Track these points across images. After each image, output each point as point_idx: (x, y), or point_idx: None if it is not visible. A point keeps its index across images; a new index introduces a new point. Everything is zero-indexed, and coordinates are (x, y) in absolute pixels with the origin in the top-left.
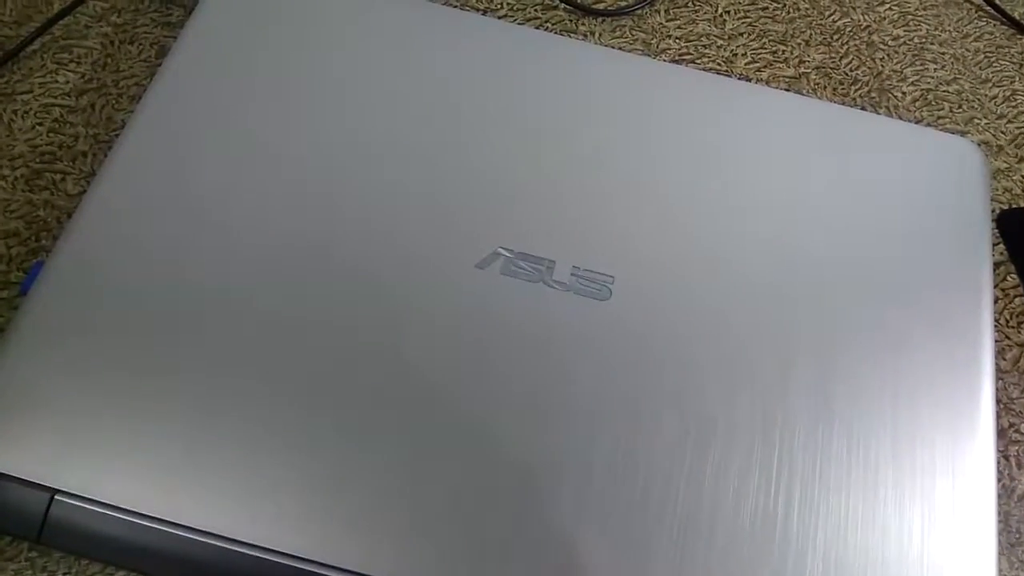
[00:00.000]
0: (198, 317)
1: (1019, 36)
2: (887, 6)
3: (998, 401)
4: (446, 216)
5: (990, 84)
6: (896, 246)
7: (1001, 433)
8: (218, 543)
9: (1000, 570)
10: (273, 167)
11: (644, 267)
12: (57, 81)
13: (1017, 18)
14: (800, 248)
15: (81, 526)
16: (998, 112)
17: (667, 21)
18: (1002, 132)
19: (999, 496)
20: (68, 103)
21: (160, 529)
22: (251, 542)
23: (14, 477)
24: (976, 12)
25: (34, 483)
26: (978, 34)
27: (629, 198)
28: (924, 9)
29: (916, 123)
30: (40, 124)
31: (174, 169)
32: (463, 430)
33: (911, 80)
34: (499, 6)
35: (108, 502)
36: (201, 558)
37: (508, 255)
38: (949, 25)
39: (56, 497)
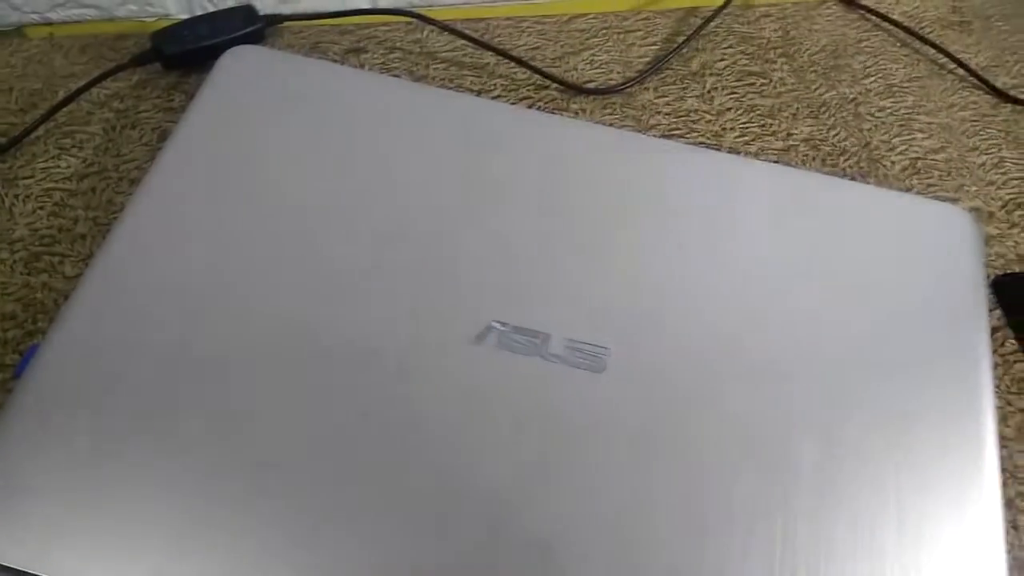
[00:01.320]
0: (194, 402)
1: (1003, 104)
2: (872, 79)
3: (1004, 470)
4: (442, 291)
5: (978, 152)
6: (893, 316)
7: (1009, 503)
8: None
9: None
10: (269, 248)
11: (640, 339)
12: (59, 166)
13: (1000, 87)
14: (797, 321)
15: None
16: (987, 179)
17: (656, 98)
18: (992, 198)
19: (1010, 568)
20: (69, 187)
21: None
22: None
23: (2, 566)
24: (960, 83)
25: (23, 572)
26: (963, 104)
27: (622, 270)
28: (909, 81)
29: (906, 191)
30: (41, 208)
31: (170, 252)
32: (461, 505)
33: (899, 150)
34: (493, 87)
35: None
36: None
37: (503, 329)
38: (935, 95)
39: None
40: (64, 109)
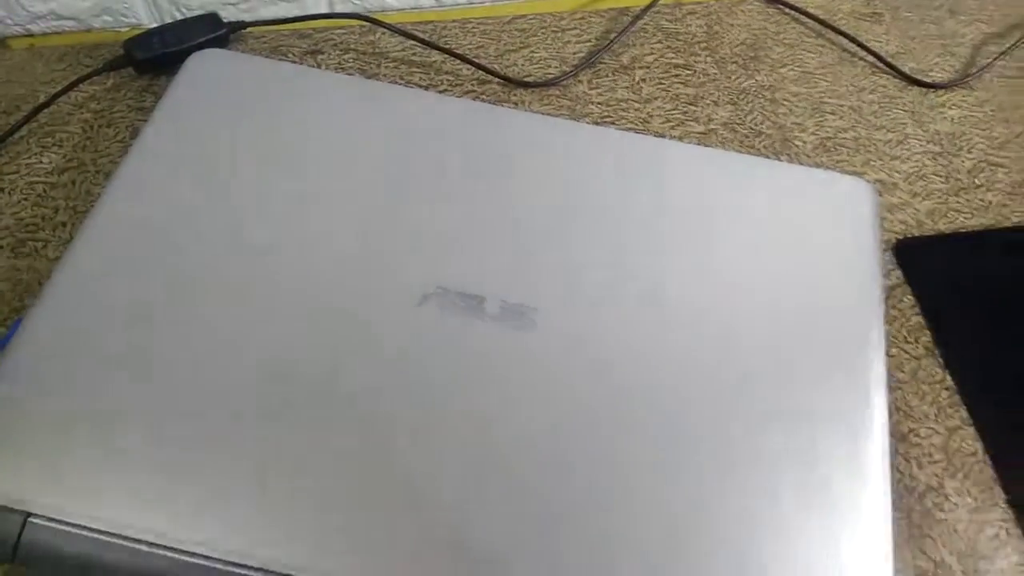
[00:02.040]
0: (161, 360)
1: (910, 87)
2: (788, 67)
3: (898, 409)
4: (389, 262)
5: (884, 130)
6: (796, 272)
7: (902, 438)
8: (175, 555)
9: (906, 561)
10: (229, 228)
11: (565, 301)
12: (41, 162)
13: (907, 72)
14: (707, 280)
15: (52, 545)
16: (892, 154)
17: (589, 90)
18: (896, 172)
19: (901, 495)
20: (51, 180)
21: (123, 545)
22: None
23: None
24: (870, 68)
25: (9, 508)
26: (872, 87)
27: (553, 241)
28: (822, 68)
29: (814, 167)
30: (25, 199)
31: (139, 234)
32: (404, 445)
33: (811, 131)
34: (440, 83)
35: (76, 522)
36: (162, 570)
37: (443, 293)
38: (846, 81)
39: (29, 519)
40: (45, 111)
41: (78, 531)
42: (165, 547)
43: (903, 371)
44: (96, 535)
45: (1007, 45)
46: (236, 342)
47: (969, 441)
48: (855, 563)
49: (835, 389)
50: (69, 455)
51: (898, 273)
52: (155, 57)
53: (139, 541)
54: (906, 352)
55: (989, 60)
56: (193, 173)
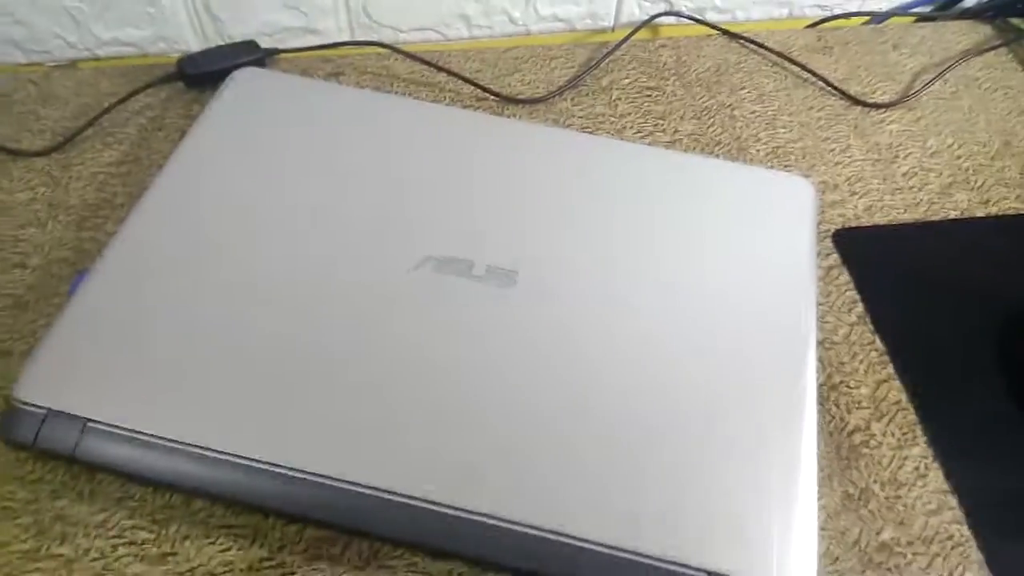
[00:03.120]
0: (196, 306)
1: (854, 107)
2: (747, 90)
3: (831, 364)
4: (393, 235)
5: (829, 141)
6: (741, 252)
7: (834, 387)
8: (204, 453)
9: (834, 488)
10: (261, 207)
11: (542, 266)
12: (103, 157)
13: (852, 94)
14: (663, 257)
15: (104, 448)
16: (835, 161)
17: (572, 106)
18: (838, 175)
19: (831, 433)
20: (111, 171)
21: (165, 446)
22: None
23: (55, 410)
24: (820, 91)
25: (70, 414)
26: (820, 107)
27: (530, 213)
28: (777, 91)
29: (761, 167)
30: (89, 185)
31: (183, 212)
32: (405, 384)
33: (764, 141)
34: (443, 99)
35: (126, 427)
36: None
37: (437, 258)
38: (797, 101)
39: (88, 424)
40: (107, 116)
41: (127, 434)
42: (200, 447)
43: (837, 335)
44: (144, 438)
45: (940, 71)
46: (261, 295)
47: (895, 392)
48: (781, 483)
49: (771, 344)
50: (121, 376)
51: (835, 256)
52: (202, 73)
53: (178, 443)
54: (840, 320)
55: (924, 84)
56: (232, 164)
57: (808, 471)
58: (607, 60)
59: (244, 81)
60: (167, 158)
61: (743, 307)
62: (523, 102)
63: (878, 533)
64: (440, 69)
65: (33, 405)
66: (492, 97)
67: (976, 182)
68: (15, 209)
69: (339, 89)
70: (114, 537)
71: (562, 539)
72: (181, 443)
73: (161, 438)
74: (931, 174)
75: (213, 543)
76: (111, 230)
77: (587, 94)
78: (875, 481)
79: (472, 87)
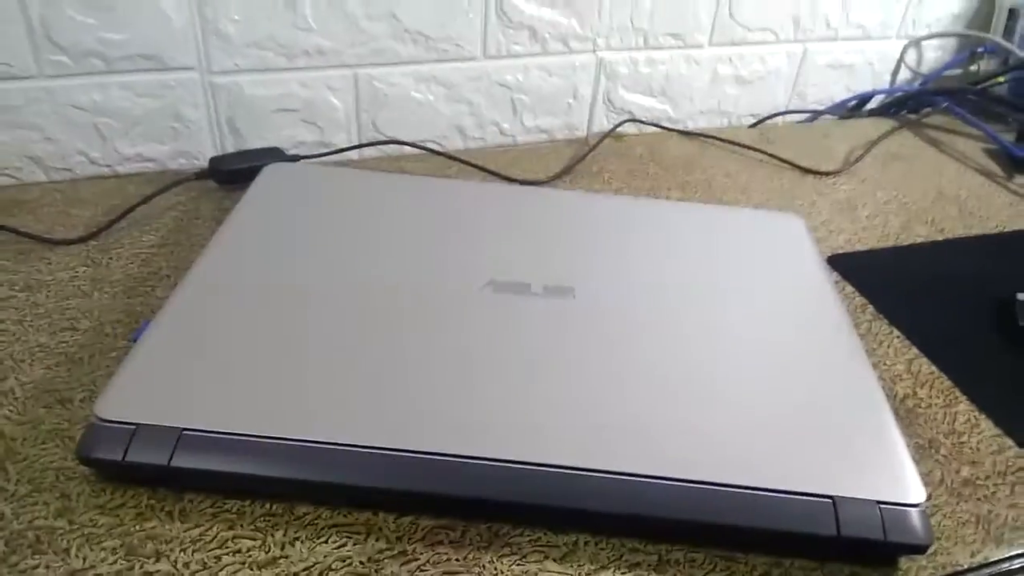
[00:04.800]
0: (287, 326)
1: (808, 176)
2: (715, 169)
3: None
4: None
5: (798, 200)
6: (764, 277)
7: (874, 366)
8: (309, 446)
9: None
10: (323, 262)
11: (598, 283)
12: (142, 240)
13: (804, 167)
14: (694, 292)
15: (200, 454)
16: (807, 212)
17: (574, 186)
18: (813, 220)
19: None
20: (152, 252)
21: (256, 444)
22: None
23: (145, 424)
24: (775, 168)
25: (164, 426)
26: (781, 177)
27: (574, 263)
28: (741, 170)
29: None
30: (131, 263)
31: (248, 260)
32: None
33: (743, 202)
34: (456, 176)
35: (219, 431)
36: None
37: (499, 280)
38: (760, 175)
39: (184, 433)
40: (141, 209)
41: (227, 438)
42: (304, 441)
43: (860, 329)
44: (244, 439)
45: (867, 148)
46: (336, 312)
47: (926, 366)
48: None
49: (821, 331)
50: (209, 386)
51: (836, 275)
52: (233, 171)
53: (281, 439)
54: (858, 317)
55: (858, 158)
56: (288, 227)
57: (890, 419)
58: (591, 154)
59: (277, 172)
60: (215, 231)
61: (786, 311)
62: (528, 183)
63: (957, 471)
64: (453, 159)
65: (119, 422)
66: (500, 180)
67: (928, 218)
68: (57, 285)
69: (372, 173)
70: (215, 549)
71: (684, 484)
72: (284, 439)
73: (262, 437)
74: (890, 216)
75: (325, 542)
76: (162, 295)
77: (582, 177)
78: (938, 433)
79: (482, 173)
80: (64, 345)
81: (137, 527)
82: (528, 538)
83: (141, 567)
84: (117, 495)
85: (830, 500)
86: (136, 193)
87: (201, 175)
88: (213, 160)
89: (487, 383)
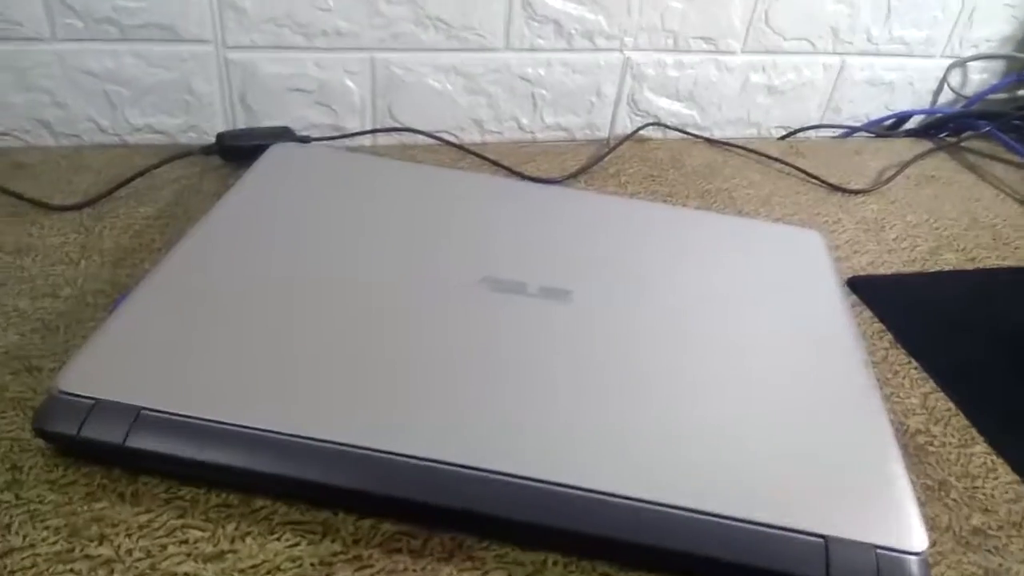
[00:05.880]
0: (265, 311)
1: (835, 192)
2: (739, 179)
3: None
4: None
5: (821, 215)
6: (776, 292)
7: (887, 397)
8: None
9: (913, 480)
10: (316, 241)
11: (594, 284)
12: (139, 211)
13: (832, 183)
14: (697, 305)
15: (157, 434)
16: (831, 229)
17: (588, 187)
18: (836, 239)
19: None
20: (147, 223)
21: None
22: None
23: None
24: (802, 182)
25: (122, 403)
26: (807, 192)
27: (568, 233)
28: (765, 181)
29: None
30: (124, 233)
31: (238, 240)
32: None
33: (764, 214)
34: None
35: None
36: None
37: (494, 278)
38: (785, 188)
39: (141, 412)
40: (142, 179)
41: (185, 421)
42: (265, 431)
43: (875, 356)
44: (203, 424)
45: (900, 168)
46: (318, 298)
47: (942, 401)
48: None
49: (830, 350)
50: (175, 367)
51: (854, 297)
52: (240, 147)
53: (242, 427)
54: (874, 344)
55: (889, 178)
56: (284, 205)
57: (897, 456)
58: (610, 156)
59: (284, 152)
60: (213, 205)
61: (794, 331)
62: (542, 181)
63: (967, 518)
64: (467, 151)
65: (79, 396)
66: (514, 176)
67: (958, 246)
68: (45, 251)
69: (378, 159)
70: (162, 537)
71: (659, 507)
72: (245, 427)
73: (223, 423)
74: (918, 240)
75: (278, 539)
76: (149, 268)
77: (598, 178)
78: (950, 475)
79: (495, 167)
80: (42, 312)
81: (85, 507)
82: (494, 553)
83: (82, 550)
84: (70, 472)
85: (822, 540)
86: (141, 164)
87: (207, 150)
88: (220, 135)
89: (465, 385)
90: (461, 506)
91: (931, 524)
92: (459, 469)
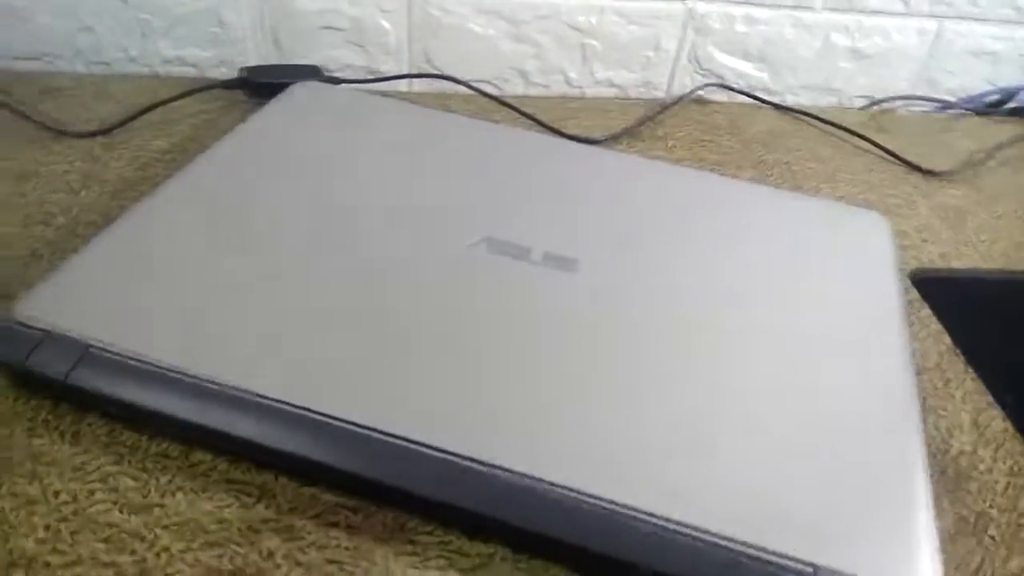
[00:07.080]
0: (244, 258)
1: (914, 172)
2: (803, 151)
3: (923, 388)
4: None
5: (894, 197)
6: (823, 279)
7: (931, 409)
8: (216, 388)
9: (944, 508)
10: (312, 190)
11: (607, 259)
12: (151, 144)
13: (911, 161)
14: (723, 288)
15: (102, 374)
16: (902, 214)
17: (629, 149)
18: (906, 224)
19: (933, 454)
20: (155, 157)
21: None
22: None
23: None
24: (878, 159)
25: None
26: (881, 170)
27: (589, 198)
28: (834, 156)
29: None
30: (130, 165)
31: (200, 198)
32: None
33: (826, 192)
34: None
35: (126, 354)
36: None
37: (496, 239)
38: (856, 164)
39: (89, 349)
40: (161, 110)
41: (133, 363)
42: (213, 382)
43: (928, 362)
44: (151, 368)
45: (993, 150)
46: (299, 247)
47: (998, 421)
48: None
49: (868, 355)
50: (135, 307)
51: (915, 292)
52: (264, 83)
53: (174, 372)
54: (928, 348)
55: (980, 160)
56: (287, 149)
57: (921, 480)
58: (661, 116)
59: (306, 90)
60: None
61: (834, 325)
62: (581, 141)
63: (1006, 561)
64: (502, 104)
65: (31, 326)
66: (551, 134)
67: None
68: (48, 177)
69: (404, 104)
70: (94, 482)
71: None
72: (191, 375)
73: (170, 369)
74: (1001, 233)
75: (210, 498)
76: None
77: (644, 140)
78: (992, 507)
79: (531, 122)
80: (31, 240)
81: (23, 442)
82: (437, 539)
83: (10, 488)
84: (19, 404)
85: (811, 569)
86: (166, 94)
87: (230, 84)
88: (244, 70)
89: (436, 355)
90: (403, 485)
91: (957, 563)
92: (407, 444)
